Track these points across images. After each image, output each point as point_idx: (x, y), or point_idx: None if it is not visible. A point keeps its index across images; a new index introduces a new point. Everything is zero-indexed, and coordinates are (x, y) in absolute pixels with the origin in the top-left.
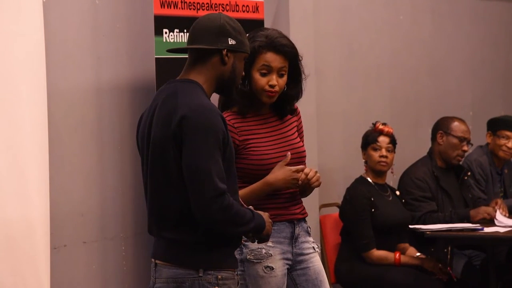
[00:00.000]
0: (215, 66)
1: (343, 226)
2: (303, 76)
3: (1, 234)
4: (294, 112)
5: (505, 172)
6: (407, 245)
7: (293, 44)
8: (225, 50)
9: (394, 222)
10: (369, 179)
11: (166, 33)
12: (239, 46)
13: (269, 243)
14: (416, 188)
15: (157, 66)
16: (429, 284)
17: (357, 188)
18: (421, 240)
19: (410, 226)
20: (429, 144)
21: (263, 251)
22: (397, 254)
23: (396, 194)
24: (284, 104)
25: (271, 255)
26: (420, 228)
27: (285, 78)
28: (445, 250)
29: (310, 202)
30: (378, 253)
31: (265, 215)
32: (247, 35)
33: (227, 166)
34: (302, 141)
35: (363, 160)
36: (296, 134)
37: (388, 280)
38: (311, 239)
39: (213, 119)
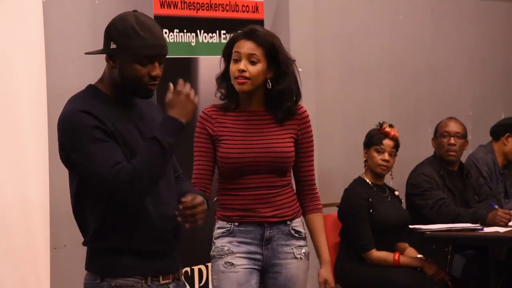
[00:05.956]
0: (108, 68)
1: (342, 227)
2: (295, 71)
3: (1, 234)
4: (295, 113)
5: (506, 172)
6: (406, 244)
7: (268, 33)
8: (106, 55)
9: (393, 223)
10: (367, 179)
11: (166, 33)
12: (119, 50)
13: (235, 242)
14: (424, 182)
15: None
16: (429, 284)
17: (354, 189)
18: (420, 240)
19: (410, 226)
20: (429, 144)
21: (225, 248)
22: (397, 255)
23: (394, 194)
24: (280, 102)
25: (233, 252)
26: (420, 228)
27: (258, 66)
28: (446, 249)
29: None
30: (378, 254)
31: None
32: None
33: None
34: (307, 148)
35: (364, 159)
36: (290, 138)
37: (388, 281)
38: (298, 242)
39: (74, 119)
